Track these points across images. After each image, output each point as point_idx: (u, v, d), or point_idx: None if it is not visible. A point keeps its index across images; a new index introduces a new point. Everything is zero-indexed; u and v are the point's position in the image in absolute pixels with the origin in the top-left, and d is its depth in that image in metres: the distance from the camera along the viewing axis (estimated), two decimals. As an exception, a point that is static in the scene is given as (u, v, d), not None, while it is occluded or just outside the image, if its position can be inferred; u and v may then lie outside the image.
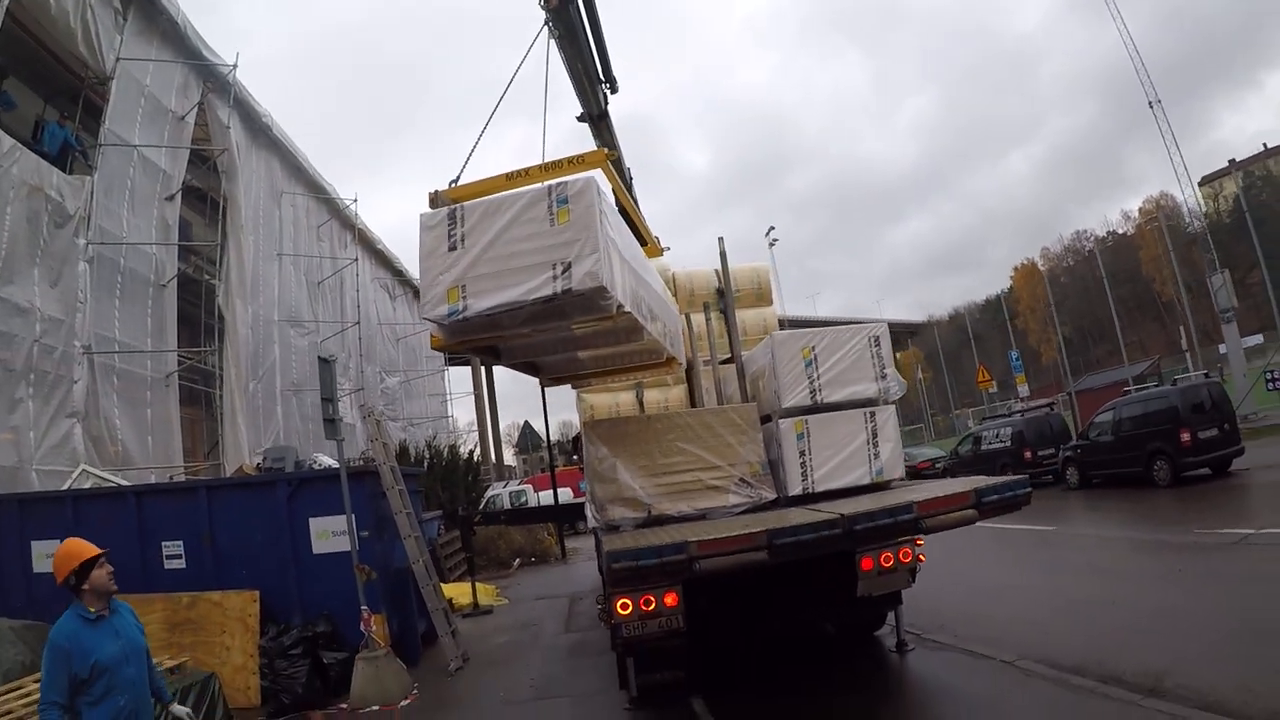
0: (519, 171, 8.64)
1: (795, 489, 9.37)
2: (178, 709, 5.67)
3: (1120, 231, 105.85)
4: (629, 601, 7.57)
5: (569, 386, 13.19)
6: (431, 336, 8.00)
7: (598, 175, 8.21)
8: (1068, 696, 7.50)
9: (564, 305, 7.00)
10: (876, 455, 9.63)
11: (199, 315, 20.66)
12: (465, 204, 7.54)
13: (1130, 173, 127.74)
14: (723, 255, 11.32)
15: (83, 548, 5.23)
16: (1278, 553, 11.38)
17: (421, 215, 7.56)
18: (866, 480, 9.52)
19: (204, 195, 21.92)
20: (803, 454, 9.45)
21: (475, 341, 8.26)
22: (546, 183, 7.52)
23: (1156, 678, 7.34)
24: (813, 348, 9.76)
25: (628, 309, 7.33)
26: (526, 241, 7.01)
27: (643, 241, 11.54)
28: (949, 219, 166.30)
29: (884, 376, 9.91)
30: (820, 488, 9.37)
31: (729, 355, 11.49)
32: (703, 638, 8.35)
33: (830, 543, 7.05)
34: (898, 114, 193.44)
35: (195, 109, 19.69)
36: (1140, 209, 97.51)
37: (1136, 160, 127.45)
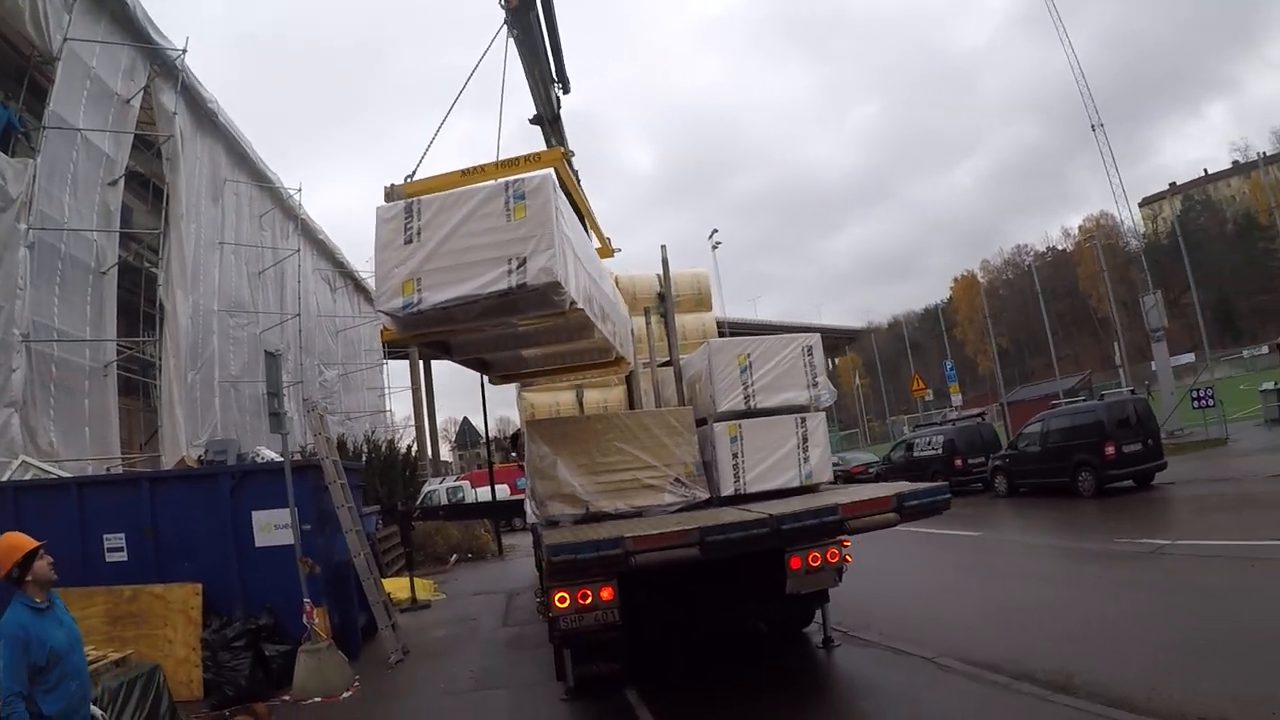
0: (475, 168, 8.78)
1: (728, 489, 9.68)
2: (94, 710, 5.69)
3: (1060, 248, 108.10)
4: (567, 595, 7.86)
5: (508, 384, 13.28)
6: (384, 329, 8.12)
7: (554, 173, 8.47)
8: (980, 691, 7.92)
9: (518, 300, 7.07)
10: (806, 459, 9.97)
11: (138, 303, 20.31)
12: (422, 198, 7.60)
13: (1073, 190, 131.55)
14: (664, 263, 11.56)
15: (22, 540, 5.29)
16: (1189, 563, 11.91)
17: (378, 208, 7.56)
18: (796, 483, 9.86)
19: (146, 181, 21.72)
20: (735, 456, 9.76)
21: (428, 335, 8.29)
22: (504, 179, 7.59)
23: (1067, 676, 7.77)
24: (748, 355, 10.07)
25: (580, 306, 7.42)
26: (482, 236, 7.07)
27: (595, 240, 11.93)
28: (891, 228, 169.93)
29: (815, 385, 10.24)
30: (752, 489, 9.68)
31: (669, 359, 11.70)
32: (638, 631, 8.66)
33: (758, 541, 7.42)
34: (844, 122, 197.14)
35: (141, 93, 19.41)
36: (1080, 227, 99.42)
37: (1079, 178, 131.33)
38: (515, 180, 7.34)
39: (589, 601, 7.87)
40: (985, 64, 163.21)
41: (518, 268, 6.84)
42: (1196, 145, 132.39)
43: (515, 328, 8.59)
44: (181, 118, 20.77)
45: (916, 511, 8.07)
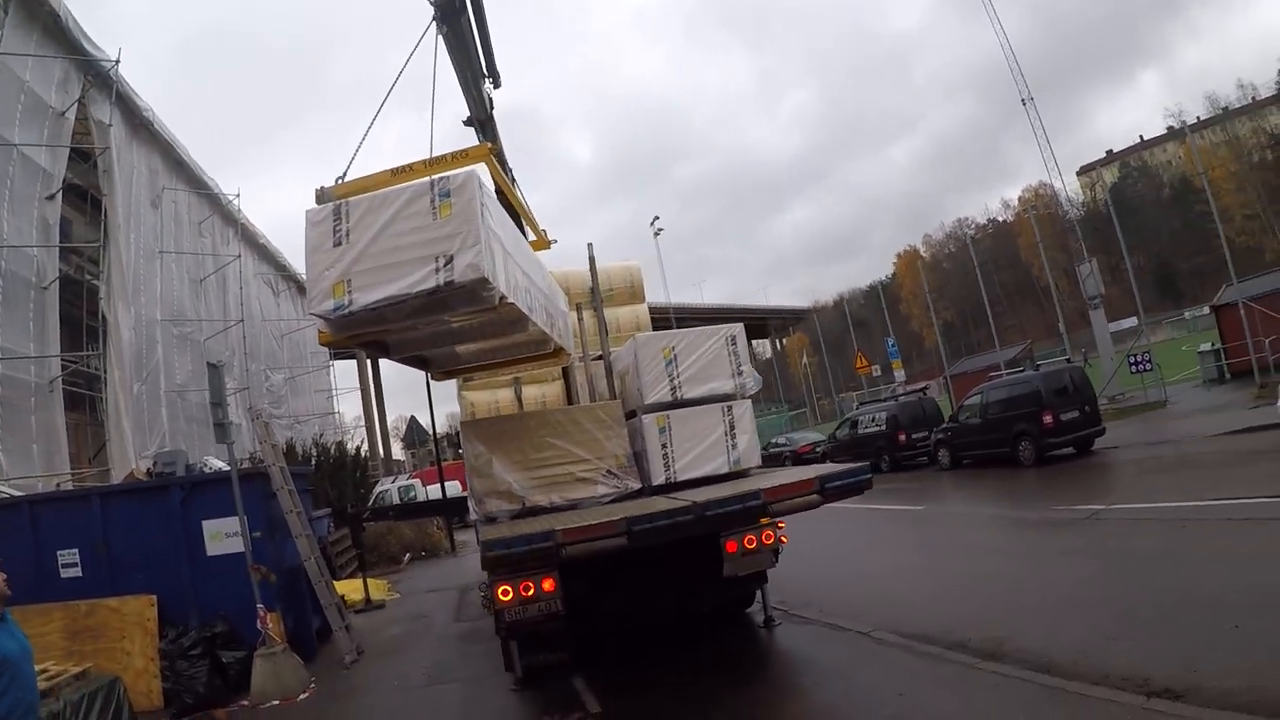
0: (404, 167, 8.79)
1: (659, 479, 9.89)
2: None
3: (1001, 219, 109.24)
4: (509, 588, 7.97)
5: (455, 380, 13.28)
6: (319, 332, 8.15)
7: (481, 169, 8.50)
8: (914, 662, 8.22)
9: (447, 297, 7.16)
10: (734, 446, 10.21)
11: (80, 316, 20.30)
12: (350, 199, 7.62)
13: (1011, 163, 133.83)
14: (591, 259, 11.56)
15: None
16: (1123, 527, 12.26)
17: (307, 211, 7.57)
18: (725, 469, 10.10)
19: (84, 193, 21.55)
20: (665, 446, 9.97)
21: (363, 336, 8.32)
22: (429, 177, 7.64)
23: (998, 643, 8.07)
24: (673, 348, 10.27)
25: (510, 300, 7.51)
26: (410, 235, 7.14)
27: (531, 234, 12.13)
28: (833, 208, 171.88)
29: (740, 373, 10.45)
30: (682, 477, 9.90)
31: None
32: (583, 620, 8.85)
33: (684, 528, 7.64)
34: (782, 107, 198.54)
35: (76, 104, 19.32)
36: (1020, 197, 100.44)
37: (1017, 151, 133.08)
38: (440, 178, 7.43)
39: (531, 593, 7.97)
40: (918, 44, 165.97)
41: (444, 265, 6.94)
42: (1131, 113, 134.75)
43: (449, 325, 8.61)
44: (117, 128, 20.71)
45: (839, 492, 8.28)
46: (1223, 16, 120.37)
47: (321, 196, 8.32)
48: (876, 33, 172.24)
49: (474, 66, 12.40)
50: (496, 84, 13.36)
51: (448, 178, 7.39)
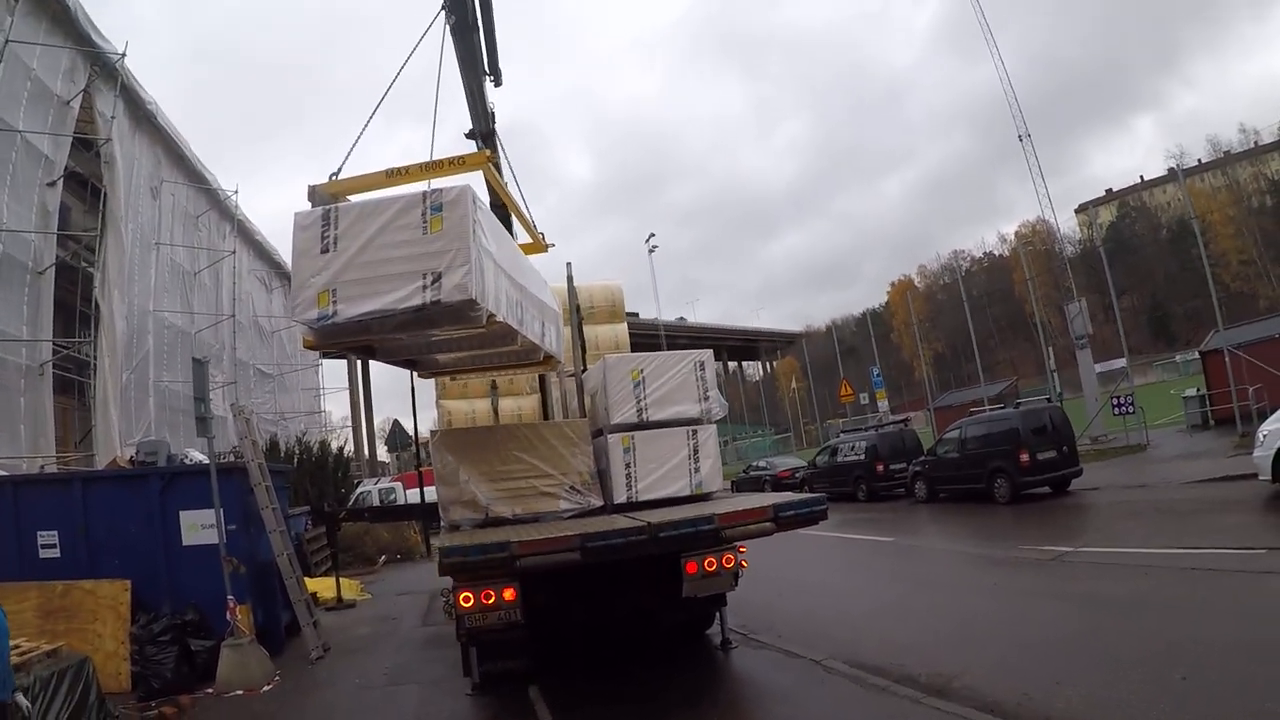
0: (399, 169, 8.60)
1: (620, 498, 9.96)
2: (21, 700, 5.92)
3: (996, 253, 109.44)
4: (471, 595, 8.08)
5: (435, 384, 13.29)
6: (304, 338, 7.99)
7: (477, 178, 8.64)
8: (859, 693, 8.30)
9: (433, 315, 7.06)
10: (697, 469, 10.25)
11: (74, 303, 20.43)
12: (340, 205, 7.55)
13: (1009, 199, 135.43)
14: (569, 278, 11.73)
15: None
16: (1087, 570, 12.34)
17: (296, 214, 7.46)
18: (687, 491, 10.14)
19: (85, 181, 21.72)
20: (628, 466, 10.01)
21: (348, 343, 8.34)
22: (421, 188, 7.54)
23: (947, 680, 8.14)
24: (641, 370, 10.31)
25: (500, 318, 7.46)
26: (398, 249, 7.04)
27: (526, 236, 12.14)
28: (826, 235, 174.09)
29: (707, 398, 10.53)
30: (643, 497, 9.95)
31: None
32: (542, 631, 9.01)
33: (637, 547, 7.75)
34: (777, 135, 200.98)
35: (81, 94, 19.51)
36: (1016, 232, 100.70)
37: (1015, 188, 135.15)
38: (434, 191, 7.33)
39: (492, 601, 8.07)
40: (914, 82, 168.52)
41: (432, 283, 6.85)
42: (1132, 154, 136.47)
43: (436, 337, 8.58)
44: (120, 119, 20.89)
45: (793, 522, 8.40)
46: (1227, 61, 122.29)
47: (313, 195, 8.23)
48: (873, 68, 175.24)
49: (478, 64, 12.25)
50: (497, 82, 13.15)
51: (440, 191, 7.30)
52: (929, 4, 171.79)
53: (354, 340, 7.99)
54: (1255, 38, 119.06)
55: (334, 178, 8.63)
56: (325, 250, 7.18)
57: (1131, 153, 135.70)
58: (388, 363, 10.36)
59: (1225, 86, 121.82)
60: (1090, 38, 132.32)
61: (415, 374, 12.17)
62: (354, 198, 8.15)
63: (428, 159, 9.11)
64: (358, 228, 7.18)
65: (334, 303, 7.05)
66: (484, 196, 8.28)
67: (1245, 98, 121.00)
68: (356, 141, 9.59)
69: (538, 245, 12.42)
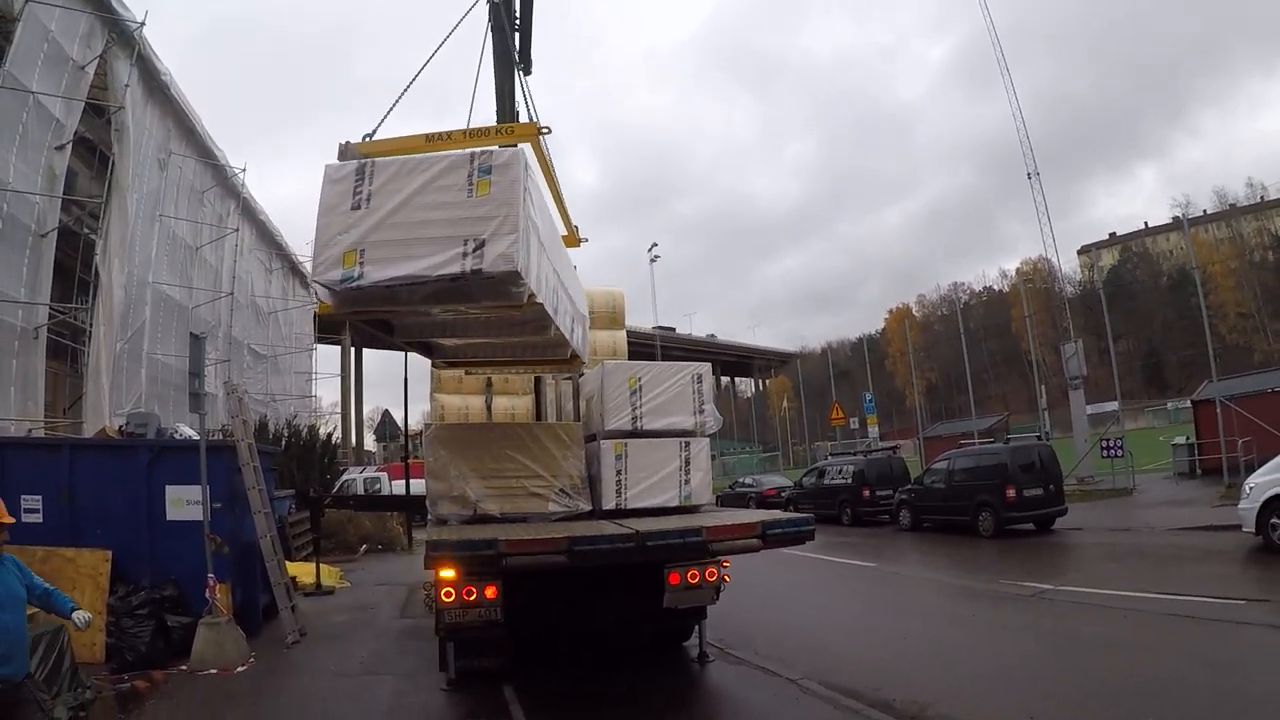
0: (441, 134, 8.15)
1: (609, 504, 10.01)
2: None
3: (996, 288, 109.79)
4: (452, 590, 8.10)
5: (430, 377, 13.21)
6: (320, 303, 7.53)
7: (526, 150, 7.65)
8: (833, 714, 8.34)
9: (471, 287, 6.60)
10: (688, 481, 10.31)
11: (74, 269, 20.35)
12: (376, 159, 6.96)
13: (1011, 237, 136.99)
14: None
15: None
16: (1066, 609, 12.44)
17: (327, 166, 6.94)
18: (676, 502, 10.20)
19: (93, 147, 21.60)
20: (619, 473, 10.06)
21: (367, 314, 7.75)
22: (469, 149, 6.99)
23: (921, 708, 8.18)
24: (639, 378, 10.32)
25: (539, 299, 7.00)
26: (439, 210, 6.54)
27: (562, 228, 11.80)
28: (825, 258, 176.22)
29: (702, 411, 10.58)
30: (632, 505, 10.00)
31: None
32: (521, 631, 9.00)
33: (623, 555, 7.79)
34: (782, 157, 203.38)
35: (97, 60, 19.38)
36: (1017, 269, 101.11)
37: (1016, 226, 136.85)
38: (483, 152, 6.76)
39: (473, 598, 8.11)
40: (920, 114, 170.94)
41: (474, 251, 6.37)
42: (1127, 204, 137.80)
43: (465, 315, 8.08)
44: (134, 88, 20.74)
45: (780, 540, 8.48)
46: (1235, 115, 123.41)
47: (345, 153, 7.81)
48: (883, 98, 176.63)
49: (512, 60, 12.19)
50: (528, 70, 12.98)
51: (490, 152, 6.76)
52: (943, 41, 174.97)
53: (375, 310, 7.49)
54: (1262, 94, 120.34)
55: (368, 139, 8.18)
56: (356, 206, 6.69)
57: (1132, 200, 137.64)
58: (403, 344, 9.91)
59: (1231, 140, 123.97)
60: (1097, 85, 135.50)
61: (430, 360, 11.38)
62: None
63: (468, 122, 8.66)
64: (395, 184, 6.69)
65: (361, 264, 6.53)
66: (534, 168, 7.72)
67: (1251, 151, 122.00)
68: (396, 102, 9.20)
69: (572, 238, 12.47)
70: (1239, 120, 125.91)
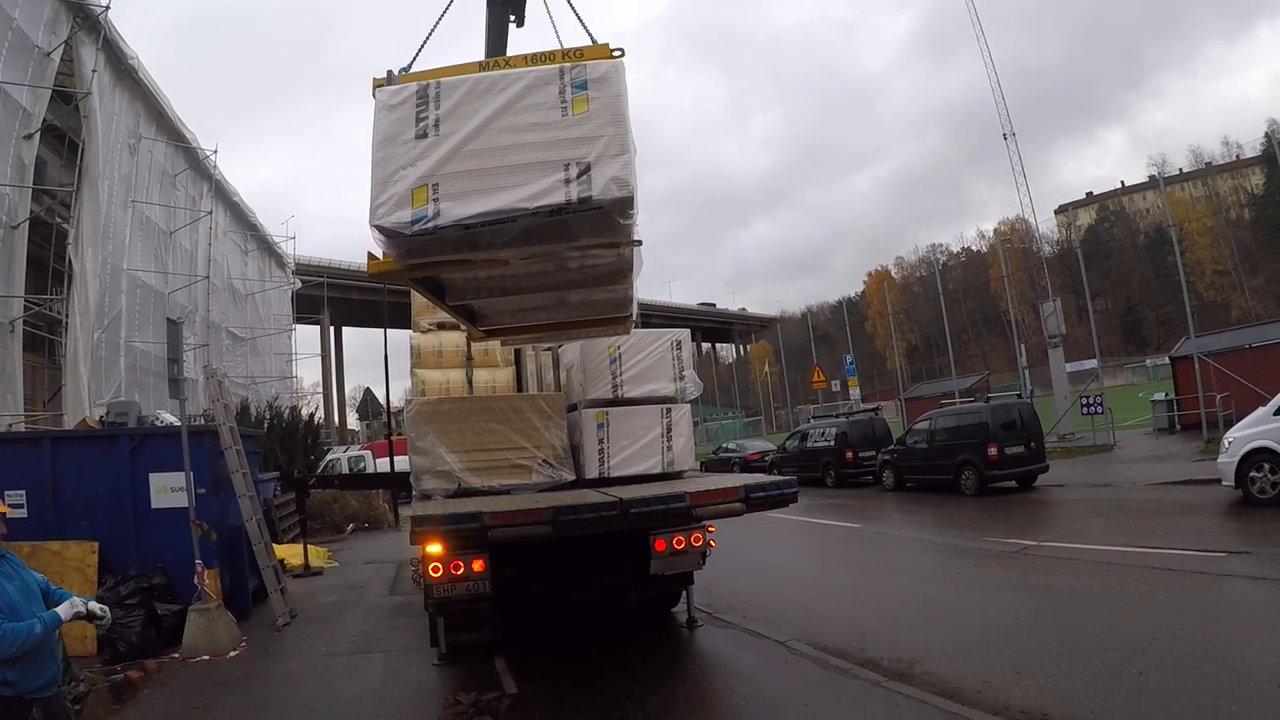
0: (498, 60, 6.62)
1: (592, 473, 10.04)
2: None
3: (975, 249, 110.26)
4: (440, 565, 8.06)
5: (410, 352, 13.07)
6: (370, 258, 6.31)
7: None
8: (823, 674, 8.44)
9: (573, 221, 5.76)
10: (670, 447, 10.33)
11: (47, 259, 20.24)
12: (442, 80, 5.98)
13: (987, 199, 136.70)
14: None
15: None
16: (1050, 564, 12.54)
17: (380, 91, 6.01)
18: (659, 469, 10.24)
19: (62, 135, 21.40)
20: (601, 442, 10.07)
21: (430, 267, 6.54)
22: (557, 65, 5.99)
23: (908, 665, 8.34)
24: (618, 347, 10.29)
25: (639, 239, 6.28)
26: (529, 133, 5.68)
27: None
28: (799, 226, 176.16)
29: (682, 378, 10.63)
30: (615, 473, 10.03)
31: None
32: (510, 603, 9.11)
33: (607, 522, 7.79)
34: (751, 129, 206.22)
35: (62, 46, 19.16)
36: (995, 229, 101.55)
37: (982, 191, 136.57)
38: (574, 66, 5.90)
39: (461, 572, 8.08)
40: (883, 85, 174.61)
41: (579, 176, 5.53)
42: (1094, 166, 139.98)
43: (549, 264, 7.05)
44: (101, 73, 20.54)
45: (763, 503, 8.52)
46: (1197, 79, 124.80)
47: (391, 82, 6.40)
48: (844, 69, 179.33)
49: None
50: (520, 23, 11.71)
51: (584, 66, 5.90)
52: (905, 12, 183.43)
53: (444, 261, 6.37)
54: (1223, 59, 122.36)
55: (405, 72, 6.63)
56: (422, 135, 5.78)
57: (1100, 162, 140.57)
58: (449, 307, 8.27)
59: (1195, 104, 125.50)
60: (1060, 54, 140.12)
61: (469, 332, 9.91)
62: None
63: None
64: (469, 107, 5.79)
65: (435, 200, 5.61)
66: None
67: (1215, 116, 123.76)
68: (436, 25, 7.89)
69: None
70: (1199, 84, 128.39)
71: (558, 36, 8.09)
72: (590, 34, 7.07)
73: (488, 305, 8.46)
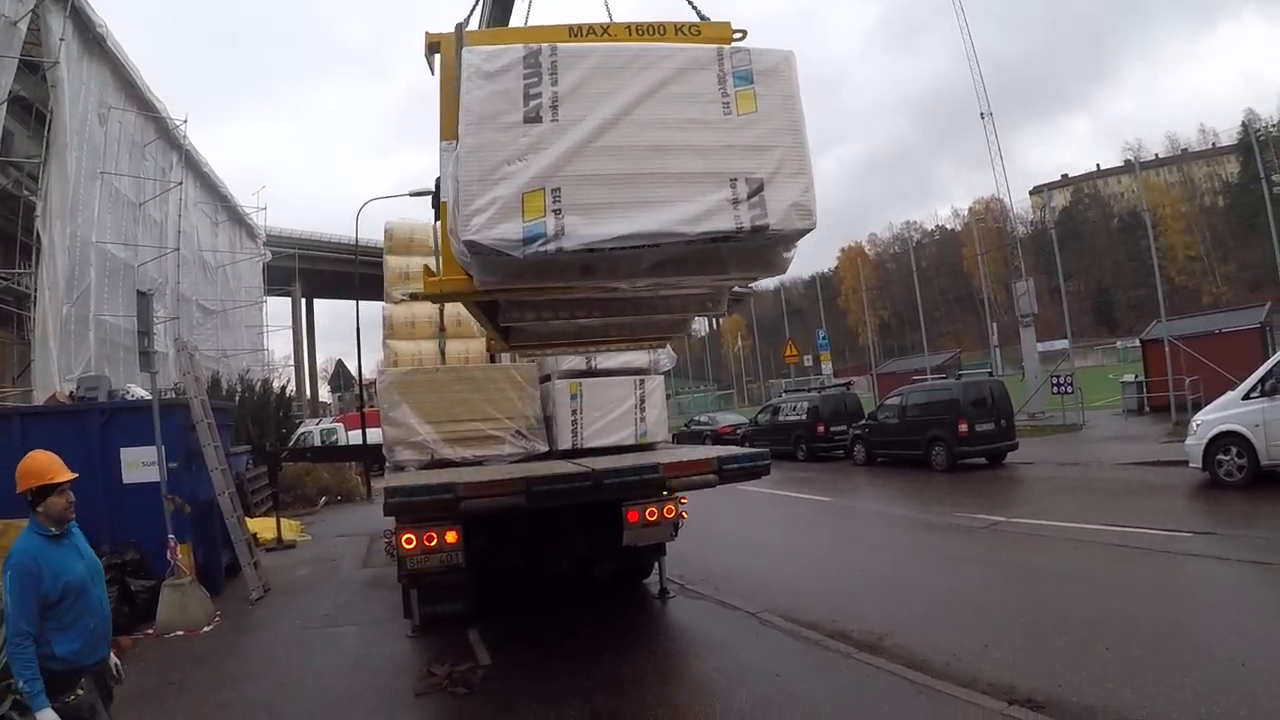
0: (586, 26, 5.08)
1: (565, 444, 10.09)
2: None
3: (949, 227, 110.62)
4: (413, 537, 8.09)
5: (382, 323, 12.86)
6: (427, 272, 5.17)
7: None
8: (795, 646, 8.54)
9: (727, 250, 4.76)
10: (643, 419, 10.38)
11: (14, 232, 20.00)
12: (560, 46, 4.57)
13: (941, 181, 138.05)
14: None
15: (44, 470, 4.75)
16: (1018, 540, 12.78)
17: (470, 52, 4.53)
18: (632, 440, 10.31)
19: (29, 106, 21.10)
20: (575, 413, 10.11)
21: (510, 291, 5.33)
22: (715, 46, 4.76)
23: (878, 638, 8.43)
24: None
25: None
26: (683, 131, 4.50)
27: None
28: None
29: (655, 350, 10.60)
30: (589, 444, 10.08)
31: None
32: (483, 574, 9.12)
33: (580, 493, 7.78)
34: None
35: (29, 15, 18.86)
36: (970, 208, 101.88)
37: (946, 172, 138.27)
38: (736, 50, 4.74)
39: (434, 544, 8.12)
40: (850, 73, 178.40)
41: (749, 196, 4.45)
42: (1060, 153, 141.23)
43: (658, 287, 5.61)
44: (69, 42, 20.26)
45: (736, 475, 8.54)
46: (1162, 71, 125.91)
47: (460, 38, 4.88)
48: (811, 56, 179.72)
49: None
50: None
51: (748, 52, 4.73)
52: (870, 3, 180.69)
53: (530, 288, 5.12)
54: (1185, 49, 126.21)
55: (463, 27, 5.05)
56: (534, 118, 4.40)
57: (1065, 149, 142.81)
58: (491, 324, 6.72)
59: (1158, 93, 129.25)
60: (1022, 44, 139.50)
61: (501, 345, 9.16)
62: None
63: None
64: (599, 87, 4.49)
65: (555, 211, 4.28)
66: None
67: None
68: None
69: None
70: (1161, 76, 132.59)
71: (608, 9, 6.75)
72: (697, 9, 5.79)
73: (542, 327, 6.66)
